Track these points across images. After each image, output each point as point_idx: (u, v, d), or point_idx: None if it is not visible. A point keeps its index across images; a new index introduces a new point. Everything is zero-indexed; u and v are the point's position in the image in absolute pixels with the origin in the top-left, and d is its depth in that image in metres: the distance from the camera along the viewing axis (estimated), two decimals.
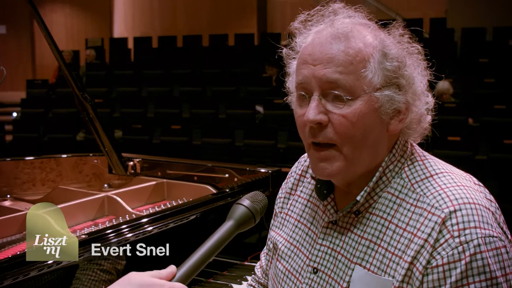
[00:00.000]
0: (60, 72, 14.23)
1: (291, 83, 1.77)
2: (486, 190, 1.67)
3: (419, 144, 1.78)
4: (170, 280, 1.46)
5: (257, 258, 2.92)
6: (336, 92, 1.58)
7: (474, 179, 1.69)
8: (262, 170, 3.23)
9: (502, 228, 1.57)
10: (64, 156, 3.90)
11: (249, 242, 3.14)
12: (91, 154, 3.90)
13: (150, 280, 1.44)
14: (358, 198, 1.67)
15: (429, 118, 1.72)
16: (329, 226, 1.77)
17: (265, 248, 2.16)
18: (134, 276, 1.44)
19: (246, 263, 3.02)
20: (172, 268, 1.48)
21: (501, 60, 11.02)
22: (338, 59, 1.57)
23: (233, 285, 2.78)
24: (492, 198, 1.66)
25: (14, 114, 13.59)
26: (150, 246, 2.54)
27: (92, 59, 14.96)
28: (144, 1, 19.43)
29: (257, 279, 2.19)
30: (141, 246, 2.50)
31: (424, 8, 14.84)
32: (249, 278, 2.79)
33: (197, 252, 1.54)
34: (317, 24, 1.70)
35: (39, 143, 11.13)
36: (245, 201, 1.68)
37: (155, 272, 1.46)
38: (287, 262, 1.87)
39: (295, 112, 1.71)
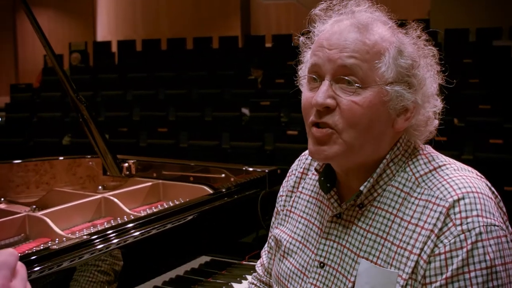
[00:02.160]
0: (44, 76, 14.17)
1: (303, 71, 1.78)
2: (488, 182, 1.69)
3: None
4: None
5: (255, 257, 2.94)
6: (347, 78, 1.60)
7: (476, 171, 1.71)
8: (258, 170, 3.24)
9: (503, 218, 1.60)
10: (61, 158, 3.89)
11: (246, 242, 3.15)
12: (89, 156, 3.88)
13: None
14: (362, 188, 1.68)
15: (436, 123, 1.74)
16: (333, 220, 1.78)
17: (266, 245, 2.17)
18: None
19: (244, 262, 3.02)
20: None
21: (484, 61, 11.11)
22: (355, 47, 1.61)
23: (233, 284, 2.78)
24: (494, 190, 1.68)
25: None
26: (146, 247, 2.57)
27: (77, 62, 14.90)
28: (127, 4, 19.39)
29: (259, 277, 2.20)
30: (139, 247, 2.53)
31: (408, 9, 14.94)
32: (248, 277, 2.79)
33: None
34: (338, 14, 1.72)
35: (24, 148, 11.07)
36: None
37: None
38: (293, 258, 1.88)
39: (303, 94, 1.72)
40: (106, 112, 12.12)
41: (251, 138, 9.82)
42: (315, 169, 1.87)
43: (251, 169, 3.26)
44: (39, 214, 2.79)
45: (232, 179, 3.29)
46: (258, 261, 2.23)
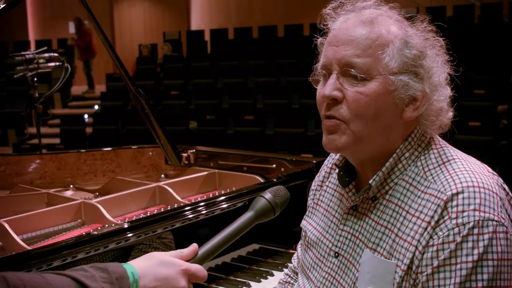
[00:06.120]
0: (138, 66, 14.56)
1: (319, 65, 1.84)
2: (500, 179, 1.69)
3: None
4: (191, 259, 1.63)
5: None
6: (352, 71, 1.67)
7: (488, 168, 1.72)
8: (310, 161, 3.29)
9: (509, 215, 1.60)
10: (107, 149, 4.10)
11: (298, 231, 3.19)
12: (145, 146, 4.05)
13: (170, 259, 1.59)
14: (370, 181, 1.74)
15: (450, 114, 1.76)
16: (349, 212, 1.85)
17: (301, 239, 2.24)
18: (155, 254, 1.61)
19: (290, 251, 3.10)
20: (193, 246, 1.66)
21: None
22: (358, 42, 1.67)
23: (274, 271, 2.87)
24: (506, 187, 1.68)
25: (96, 107, 13.98)
26: (196, 232, 2.68)
27: (167, 52, 15.24)
28: None
29: (293, 268, 2.30)
30: (189, 232, 2.64)
31: None
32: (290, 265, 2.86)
33: (217, 236, 1.69)
34: (346, 12, 1.79)
35: (117, 135, 11.43)
36: (267, 194, 1.82)
37: (177, 252, 1.63)
38: (315, 249, 1.96)
39: (318, 89, 1.80)
40: (196, 100, 12.35)
41: None
42: (335, 164, 1.94)
43: (301, 159, 3.32)
44: (93, 201, 2.95)
45: (282, 169, 3.36)
46: (295, 254, 2.31)
